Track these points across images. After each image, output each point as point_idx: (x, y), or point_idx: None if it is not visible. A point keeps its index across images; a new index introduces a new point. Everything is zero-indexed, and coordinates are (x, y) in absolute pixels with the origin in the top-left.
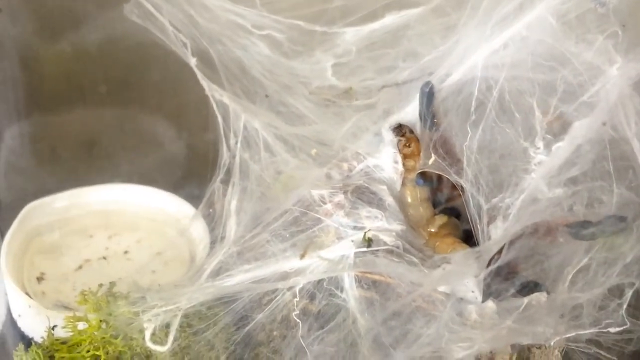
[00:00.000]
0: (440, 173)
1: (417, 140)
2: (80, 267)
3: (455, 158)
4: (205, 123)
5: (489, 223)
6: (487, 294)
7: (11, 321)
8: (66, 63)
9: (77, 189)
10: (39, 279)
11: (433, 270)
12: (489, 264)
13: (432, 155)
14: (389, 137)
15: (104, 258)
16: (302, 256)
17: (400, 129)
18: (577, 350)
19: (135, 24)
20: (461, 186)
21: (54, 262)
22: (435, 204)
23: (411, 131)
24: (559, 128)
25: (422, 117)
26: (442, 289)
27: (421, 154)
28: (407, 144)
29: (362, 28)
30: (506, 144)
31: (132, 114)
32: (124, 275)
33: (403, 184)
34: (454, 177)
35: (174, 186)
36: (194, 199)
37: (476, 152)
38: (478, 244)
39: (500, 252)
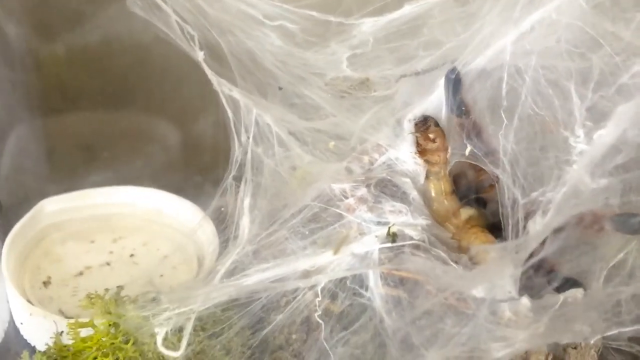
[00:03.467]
0: (475, 163)
1: (443, 134)
2: (81, 273)
3: (491, 147)
4: (208, 122)
5: (526, 218)
6: (527, 290)
7: (14, 328)
8: (65, 64)
9: (80, 191)
10: (46, 284)
11: (465, 268)
12: (529, 258)
13: (468, 145)
14: (409, 130)
15: (108, 263)
16: (336, 251)
17: (425, 122)
18: (611, 351)
19: (135, 23)
20: (495, 177)
21: (56, 267)
22: (462, 194)
23: (437, 124)
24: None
25: (449, 104)
26: (476, 292)
27: (449, 147)
28: (433, 139)
29: (380, 19)
30: (546, 133)
31: (134, 114)
32: (130, 280)
33: (427, 177)
34: (489, 168)
35: (179, 188)
36: (199, 201)
37: (513, 142)
38: (505, 238)
39: (542, 243)
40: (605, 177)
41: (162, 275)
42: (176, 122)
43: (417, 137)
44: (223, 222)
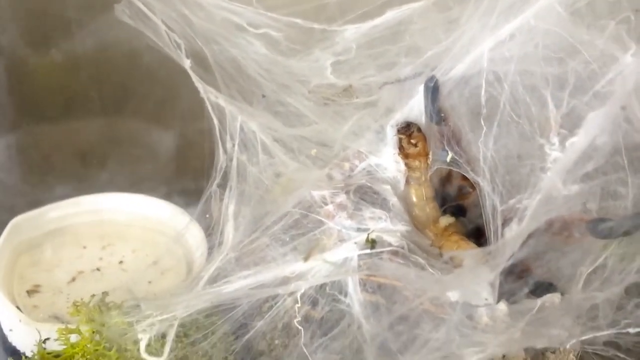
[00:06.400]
0: (457, 170)
1: (425, 139)
2: (73, 279)
3: (471, 154)
4: (199, 129)
5: (503, 225)
6: (499, 294)
7: (2, 336)
8: (57, 72)
9: (69, 199)
10: (30, 292)
11: (442, 273)
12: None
13: (449, 152)
14: (392, 135)
15: (98, 269)
16: (306, 259)
17: (408, 128)
18: (592, 354)
19: (127, 30)
20: (475, 183)
21: (47, 275)
22: (443, 201)
23: (419, 129)
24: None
25: (427, 112)
26: (451, 295)
27: (430, 153)
28: (415, 144)
29: (362, 25)
30: (523, 141)
31: (125, 122)
32: (119, 286)
33: (407, 182)
34: (470, 175)
35: (169, 194)
36: (190, 207)
37: (492, 149)
38: (488, 244)
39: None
40: (577, 183)
41: (150, 282)
42: (170, 129)
43: (400, 139)
44: (208, 229)
